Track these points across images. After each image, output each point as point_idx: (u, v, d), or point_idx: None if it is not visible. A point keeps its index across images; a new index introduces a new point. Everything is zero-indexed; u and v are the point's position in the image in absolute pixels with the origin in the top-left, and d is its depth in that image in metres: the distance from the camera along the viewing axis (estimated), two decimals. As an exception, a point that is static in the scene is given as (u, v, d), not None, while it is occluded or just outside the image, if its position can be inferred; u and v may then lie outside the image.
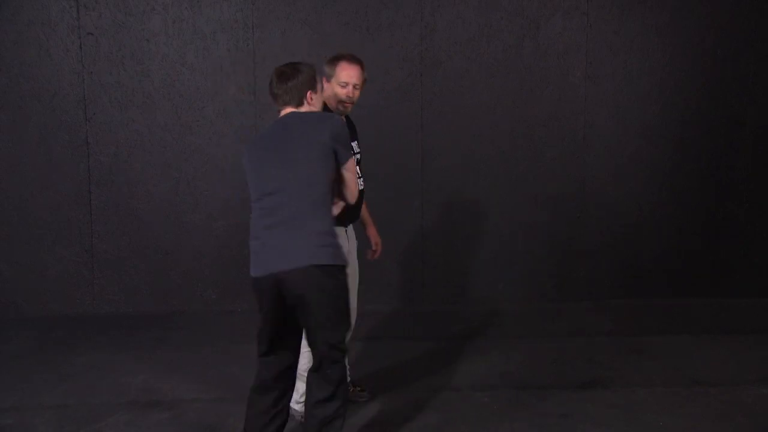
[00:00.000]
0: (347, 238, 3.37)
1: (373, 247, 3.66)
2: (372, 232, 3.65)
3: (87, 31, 4.98)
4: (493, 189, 5.31)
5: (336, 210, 2.87)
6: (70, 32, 4.97)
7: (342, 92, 3.22)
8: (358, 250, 3.51)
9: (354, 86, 3.23)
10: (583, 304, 5.35)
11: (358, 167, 3.28)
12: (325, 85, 3.24)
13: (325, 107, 3.27)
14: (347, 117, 3.37)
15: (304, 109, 2.86)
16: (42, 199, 5.07)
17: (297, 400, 3.35)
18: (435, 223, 5.32)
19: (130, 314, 5.14)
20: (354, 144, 3.34)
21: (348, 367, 3.38)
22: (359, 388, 3.66)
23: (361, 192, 3.36)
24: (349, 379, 3.62)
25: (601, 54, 5.29)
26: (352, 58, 3.25)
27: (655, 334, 4.69)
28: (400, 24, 5.15)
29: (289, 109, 2.86)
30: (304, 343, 3.27)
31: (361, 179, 3.36)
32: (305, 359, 3.31)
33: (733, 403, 3.58)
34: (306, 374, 3.31)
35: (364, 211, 3.59)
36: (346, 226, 3.35)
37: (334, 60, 3.24)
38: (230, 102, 5.12)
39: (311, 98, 2.87)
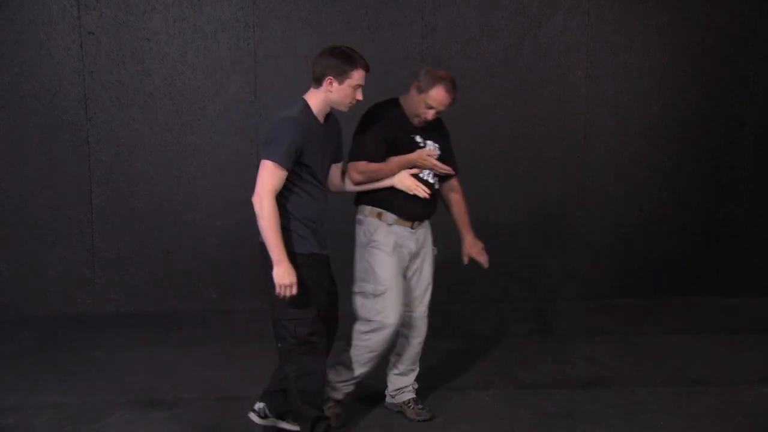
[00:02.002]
0: (413, 237, 3.30)
1: (464, 258, 3.48)
2: (466, 239, 3.48)
3: (88, 30, 4.98)
4: (493, 189, 5.31)
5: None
6: (70, 31, 4.96)
7: (423, 112, 3.17)
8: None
9: (438, 111, 3.18)
10: (583, 304, 5.35)
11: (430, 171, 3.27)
12: (412, 91, 3.21)
13: (391, 103, 3.26)
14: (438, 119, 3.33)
15: (322, 91, 2.95)
16: (42, 199, 5.07)
17: (329, 383, 3.28)
18: (435, 223, 5.31)
19: (131, 313, 5.14)
20: (430, 142, 3.28)
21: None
22: (419, 406, 3.47)
23: (434, 189, 3.29)
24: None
25: (601, 53, 5.29)
26: (452, 87, 3.15)
27: (655, 333, 4.70)
28: (400, 23, 5.15)
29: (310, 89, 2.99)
30: (358, 336, 3.24)
31: (437, 178, 3.32)
32: (356, 352, 3.25)
33: (733, 403, 3.59)
34: (353, 365, 3.26)
35: (460, 214, 3.49)
36: (413, 223, 3.29)
37: (436, 79, 3.14)
38: (231, 101, 5.12)
39: (331, 85, 2.93)
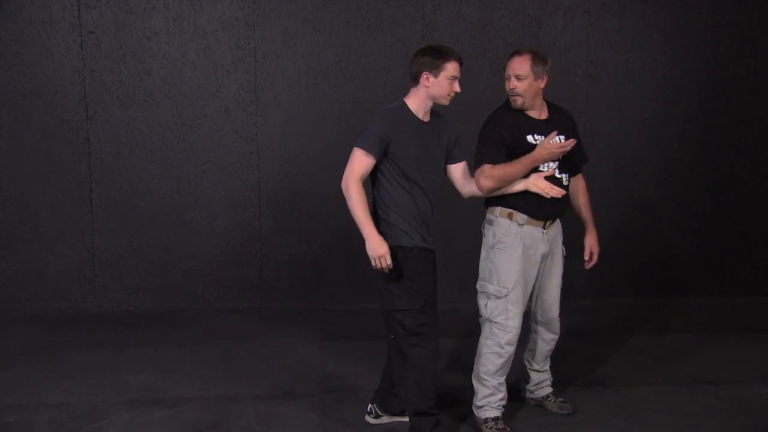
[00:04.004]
0: (545, 237, 3.22)
1: (585, 256, 3.41)
2: (588, 238, 3.41)
3: (88, 30, 4.98)
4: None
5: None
6: (71, 30, 4.97)
7: (507, 86, 3.17)
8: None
9: (517, 77, 3.11)
10: (584, 302, 5.34)
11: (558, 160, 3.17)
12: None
13: (503, 106, 3.25)
14: (555, 108, 3.29)
15: (420, 88, 3.05)
16: (43, 198, 5.07)
17: (474, 404, 3.29)
18: (436, 221, 5.30)
19: (131, 312, 5.14)
20: (561, 138, 3.16)
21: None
22: (561, 399, 3.51)
23: (564, 186, 3.21)
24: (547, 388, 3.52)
25: (602, 52, 5.29)
26: (516, 52, 3.17)
27: (655, 332, 4.69)
28: (401, 22, 5.15)
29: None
30: (482, 343, 3.26)
31: (566, 174, 3.23)
32: (483, 362, 3.23)
33: (734, 402, 3.59)
34: (486, 377, 3.23)
35: (585, 203, 3.43)
36: (545, 223, 3.22)
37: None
38: (231, 100, 5.12)
39: (428, 80, 3.02)
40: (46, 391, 3.73)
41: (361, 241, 3.01)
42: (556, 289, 3.37)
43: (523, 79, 3.11)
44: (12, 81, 4.97)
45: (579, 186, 3.42)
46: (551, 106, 3.31)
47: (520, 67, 3.11)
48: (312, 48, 5.12)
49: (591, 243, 3.42)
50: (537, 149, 3.08)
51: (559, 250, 3.35)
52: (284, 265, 5.26)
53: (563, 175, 3.23)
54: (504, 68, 3.21)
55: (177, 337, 4.64)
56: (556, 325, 3.43)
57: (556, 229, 3.33)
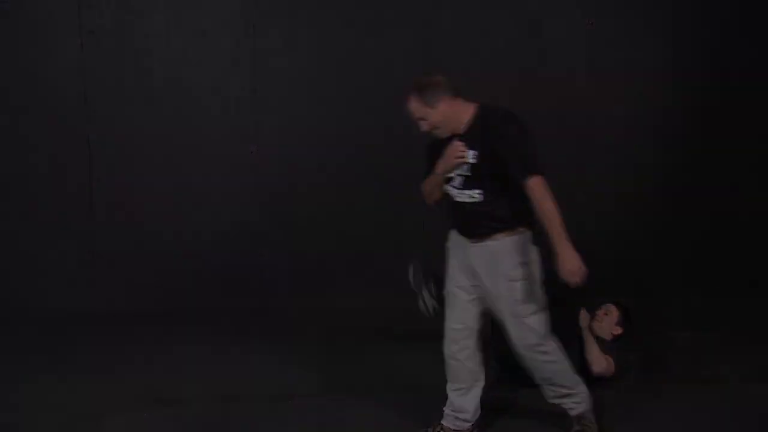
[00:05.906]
0: (472, 249, 3.06)
1: None
2: None
3: (88, 29, 4.98)
4: (494, 187, 5.31)
5: None
6: (71, 30, 4.96)
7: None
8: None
9: (419, 120, 2.96)
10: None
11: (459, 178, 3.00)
12: None
13: None
14: (483, 115, 3.06)
15: None
16: (43, 198, 5.07)
17: None
18: (436, 222, 5.31)
19: (132, 312, 5.13)
20: (472, 153, 2.98)
21: None
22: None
23: (470, 206, 3.02)
24: None
25: (602, 52, 5.29)
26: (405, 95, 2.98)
27: (655, 332, 4.69)
28: (401, 22, 5.15)
29: None
30: None
31: (479, 191, 2.98)
32: None
33: (735, 402, 3.59)
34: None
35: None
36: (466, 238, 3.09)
37: None
38: (232, 100, 5.12)
39: None
40: (45, 391, 3.73)
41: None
42: (505, 320, 3.06)
43: (424, 119, 2.93)
44: (12, 81, 4.97)
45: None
46: (481, 114, 3.07)
47: (414, 109, 2.94)
48: (312, 47, 5.12)
49: None
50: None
51: (496, 279, 3.00)
52: (284, 265, 5.26)
53: (472, 192, 2.97)
54: None
55: (177, 336, 4.64)
56: (523, 359, 3.11)
57: (492, 251, 3.00)
